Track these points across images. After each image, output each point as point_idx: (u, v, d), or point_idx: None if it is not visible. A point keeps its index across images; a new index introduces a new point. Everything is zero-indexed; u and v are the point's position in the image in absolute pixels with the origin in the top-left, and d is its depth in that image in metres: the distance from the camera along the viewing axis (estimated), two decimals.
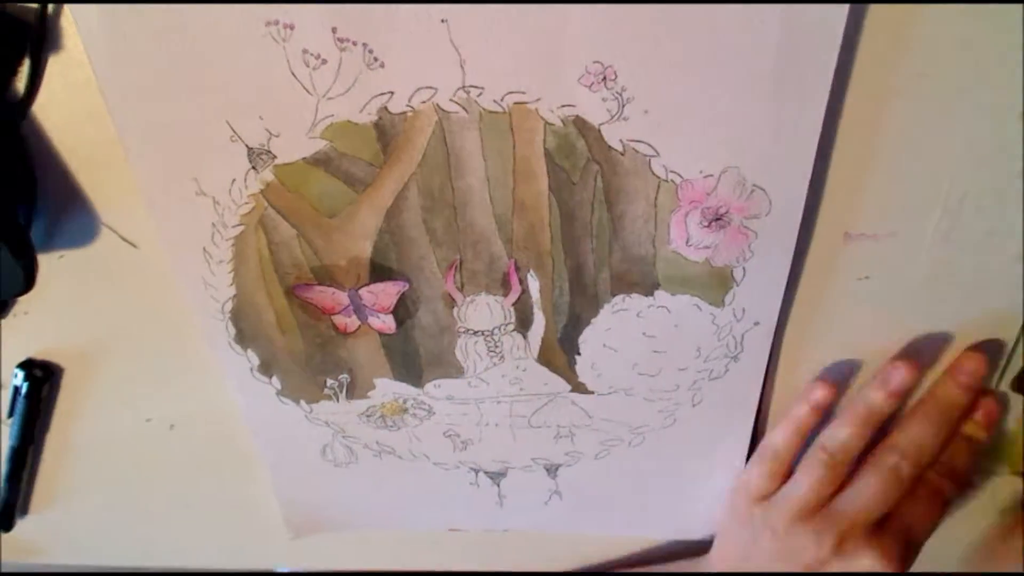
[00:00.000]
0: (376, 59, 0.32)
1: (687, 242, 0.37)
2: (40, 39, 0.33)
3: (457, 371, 0.43)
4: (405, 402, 0.45)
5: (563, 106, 0.33)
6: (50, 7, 0.33)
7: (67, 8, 0.33)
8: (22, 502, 0.52)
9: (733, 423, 0.44)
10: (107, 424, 0.48)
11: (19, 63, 0.34)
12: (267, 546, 0.55)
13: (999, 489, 0.47)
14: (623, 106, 0.33)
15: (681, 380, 0.42)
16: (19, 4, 0.33)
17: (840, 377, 0.42)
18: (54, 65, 0.34)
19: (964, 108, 0.33)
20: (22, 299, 0.43)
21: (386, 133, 0.34)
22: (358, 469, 0.49)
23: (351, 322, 0.41)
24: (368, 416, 0.45)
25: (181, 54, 0.32)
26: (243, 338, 0.42)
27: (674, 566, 0.51)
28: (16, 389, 0.46)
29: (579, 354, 0.41)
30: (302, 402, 0.45)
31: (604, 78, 0.32)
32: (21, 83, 0.34)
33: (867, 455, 0.40)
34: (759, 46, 0.31)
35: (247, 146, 0.35)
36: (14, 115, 0.35)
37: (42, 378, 0.45)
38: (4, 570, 0.57)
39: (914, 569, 0.40)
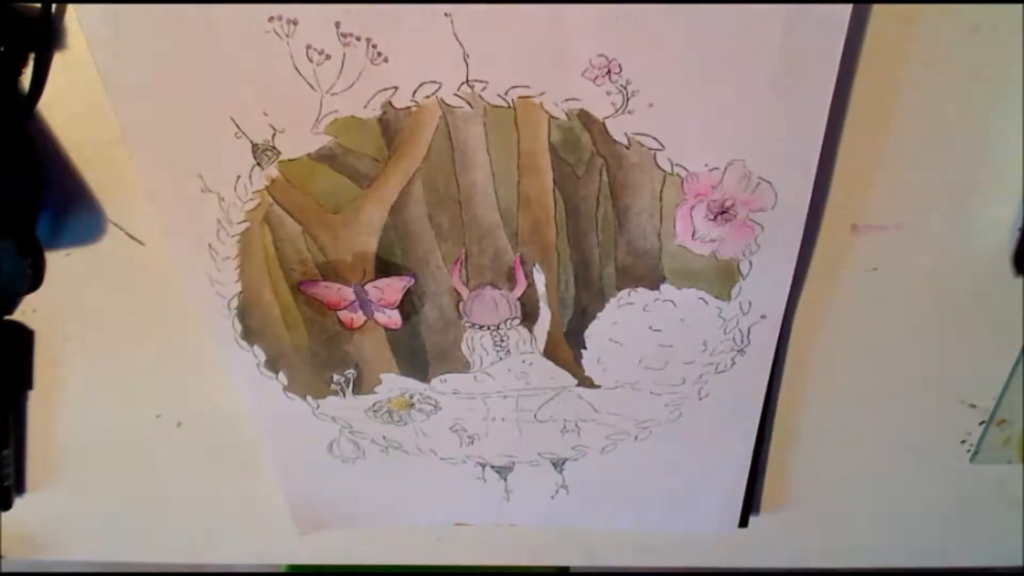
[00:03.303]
0: (380, 54, 0.32)
1: (693, 235, 0.36)
2: (45, 38, 0.33)
3: (463, 366, 0.43)
4: (412, 397, 0.45)
5: (567, 100, 0.33)
6: (54, 6, 0.33)
7: (71, 7, 0.33)
8: (31, 499, 0.52)
9: (740, 417, 0.44)
10: (115, 421, 0.49)
11: (24, 62, 0.34)
12: (274, 542, 0.55)
13: (1007, 481, 0.47)
14: (628, 99, 0.33)
15: (687, 374, 0.42)
16: (24, 3, 0.33)
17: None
18: (59, 63, 0.34)
19: (971, 98, 0.33)
20: (29, 297, 0.43)
21: (390, 128, 0.34)
22: (365, 464, 0.49)
23: (357, 317, 0.41)
24: (375, 411, 0.46)
25: (184, 51, 0.32)
26: (249, 334, 0.42)
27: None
28: None
29: (585, 348, 0.41)
30: (309, 398, 0.45)
31: (608, 71, 0.32)
32: (26, 81, 0.34)
33: None
34: (764, 38, 0.30)
35: (252, 142, 0.35)
36: (20, 113, 0.35)
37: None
38: (13, 566, 0.58)
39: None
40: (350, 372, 0.43)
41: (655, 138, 0.34)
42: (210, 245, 0.38)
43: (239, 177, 0.36)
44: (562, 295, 0.39)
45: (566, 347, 0.42)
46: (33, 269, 0.37)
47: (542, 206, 0.36)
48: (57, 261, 0.41)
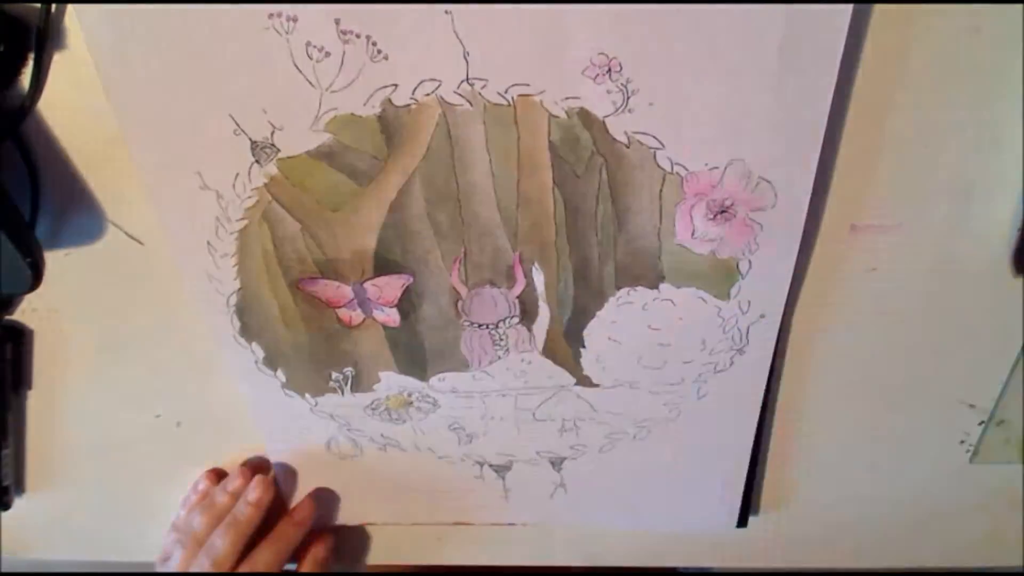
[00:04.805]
0: (380, 51, 0.32)
1: (692, 235, 0.36)
2: (44, 38, 0.33)
3: (462, 364, 0.43)
4: (410, 395, 0.45)
5: (567, 98, 0.33)
6: (54, 6, 0.33)
7: (71, 7, 0.33)
8: (31, 499, 0.52)
9: (738, 416, 0.44)
10: (115, 421, 0.49)
11: (23, 62, 0.34)
12: None
13: (1007, 481, 0.47)
14: (628, 98, 0.33)
15: (686, 373, 0.42)
16: (23, 4, 0.33)
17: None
18: (58, 63, 0.34)
19: (970, 98, 0.33)
20: (29, 297, 0.43)
21: (390, 126, 0.34)
22: (363, 462, 0.49)
23: (356, 315, 0.41)
24: (373, 409, 0.46)
25: (184, 49, 0.32)
26: (248, 331, 0.42)
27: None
28: None
29: (584, 347, 0.41)
30: (307, 395, 0.45)
31: (609, 70, 0.32)
32: (26, 81, 0.34)
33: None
34: (764, 38, 0.30)
35: (251, 140, 0.35)
36: (19, 113, 0.35)
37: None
38: (13, 566, 0.58)
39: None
40: (348, 370, 0.43)
41: (655, 137, 0.34)
42: (209, 242, 0.38)
43: (238, 174, 0.36)
44: (561, 294, 0.39)
45: (565, 346, 0.42)
46: (33, 269, 0.37)
47: (542, 205, 0.36)
48: (57, 261, 0.41)
